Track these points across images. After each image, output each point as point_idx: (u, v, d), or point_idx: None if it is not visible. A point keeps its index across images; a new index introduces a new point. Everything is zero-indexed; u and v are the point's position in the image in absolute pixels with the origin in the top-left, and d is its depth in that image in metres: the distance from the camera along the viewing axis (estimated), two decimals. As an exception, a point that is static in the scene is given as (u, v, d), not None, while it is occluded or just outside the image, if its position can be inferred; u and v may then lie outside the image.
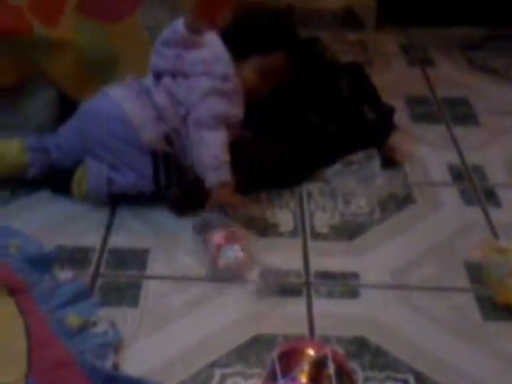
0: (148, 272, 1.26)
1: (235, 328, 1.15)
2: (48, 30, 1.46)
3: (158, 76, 1.40)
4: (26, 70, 1.49)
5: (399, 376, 1.07)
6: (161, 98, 1.36)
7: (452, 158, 1.61)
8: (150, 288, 1.22)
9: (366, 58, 1.98)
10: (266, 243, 1.33)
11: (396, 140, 1.59)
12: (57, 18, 1.48)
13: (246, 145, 1.45)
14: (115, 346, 1.09)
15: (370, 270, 1.28)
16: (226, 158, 1.32)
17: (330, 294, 1.22)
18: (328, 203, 1.45)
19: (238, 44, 1.38)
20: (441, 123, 1.74)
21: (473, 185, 1.52)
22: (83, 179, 1.37)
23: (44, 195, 1.42)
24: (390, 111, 1.59)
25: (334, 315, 1.18)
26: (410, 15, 2.11)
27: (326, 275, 1.26)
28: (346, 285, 1.25)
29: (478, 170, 1.57)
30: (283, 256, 1.30)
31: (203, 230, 1.29)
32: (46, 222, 1.36)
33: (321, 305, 1.20)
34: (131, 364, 1.07)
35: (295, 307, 1.19)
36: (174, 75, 1.38)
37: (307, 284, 1.24)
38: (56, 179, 1.41)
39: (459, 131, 1.71)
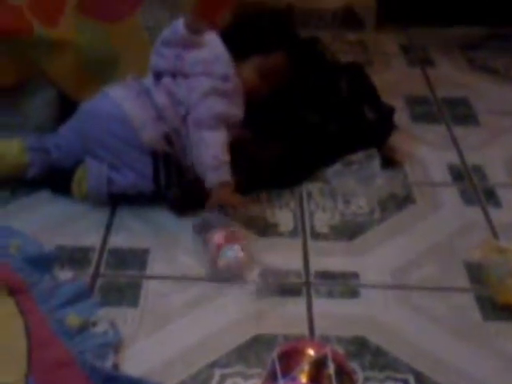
0: (148, 272, 1.26)
1: (235, 328, 1.15)
2: (48, 30, 1.46)
3: (157, 76, 1.40)
4: (26, 70, 1.49)
5: (399, 376, 1.07)
6: (161, 98, 1.36)
7: (452, 157, 1.61)
8: (149, 288, 1.22)
9: (366, 57, 1.98)
10: (266, 243, 1.33)
11: (396, 140, 1.59)
12: (57, 18, 1.48)
13: (246, 145, 1.45)
14: (115, 346, 1.09)
15: (370, 269, 1.28)
16: (226, 158, 1.32)
17: (330, 294, 1.22)
18: (328, 203, 1.45)
19: (238, 44, 1.38)
20: (441, 123, 1.74)
21: (473, 185, 1.52)
22: (83, 179, 1.37)
23: (44, 195, 1.42)
24: (390, 111, 1.59)
25: (334, 315, 1.18)
26: (409, 15, 2.11)
27: (326, 275, 1.26)
28: (346, 285, 1.25)
29: (478, 169, 1.57)
30: (283, 256, 1.30)
31: (203, 229, 1.29)
32: (46, 221, 1.36)
33: (321, 305, 1.20)
34: (131, 364, 1.07)
35: (295, 307, 1.19)
36: (173, 75, 1.38)
37: (307, 284, 1.24)
38: (56, 179, 1.41)
39: (459, 131, 1.71)
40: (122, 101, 1.36)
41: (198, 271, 1.26)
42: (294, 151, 1.49)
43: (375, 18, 2.00)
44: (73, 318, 1.12)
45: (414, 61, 2.04)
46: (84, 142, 1.38)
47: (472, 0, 2.10)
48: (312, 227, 1.38)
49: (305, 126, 1.52)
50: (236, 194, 1.34)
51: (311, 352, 0.98)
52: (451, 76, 1.96)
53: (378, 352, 1.11)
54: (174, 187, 1.38)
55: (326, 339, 1.12)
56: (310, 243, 1.34)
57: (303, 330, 1.15)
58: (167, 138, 1.36)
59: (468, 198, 1.48)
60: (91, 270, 1.25)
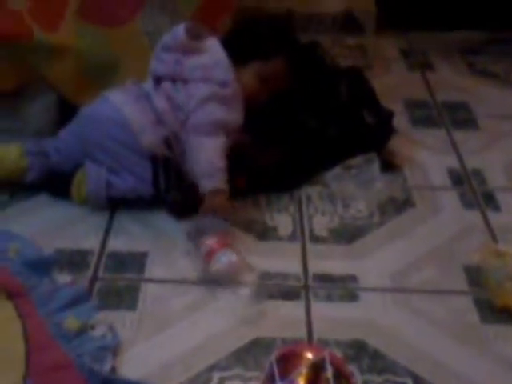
0: (146, 275, 1.26)
1: (233, 331, 1.15)
2: (48, 35, 1.46)
3: (157, 80, 1.40)
4: (26, 75, 1.50)
5: (398, 379, 1.07)
6: (160, 103, 1.37)
7: (451, 161, 1.61)
8: (148, 291, 1.22)
9: (366, 62, 1.98)
10: (265, 246, 1.34)
11: (395, 144, 1.59)
12: (57, 23, 1.48)
13: (246, 150, 1.45)
14: (113, 349, 1.09)
15: (369, 273, 1.28)
16: (222, 164, 1.31)
17: (329, 298, 1.22)
18: (327, 207, 1.45)
19: (238, 49, 1.38)
20: (440, 127, 1.75)
21: (472, 189, 1.52)
22: (82, 183, 1.37)
23: (43, 199, 1.42)
24: (390, 115, 1.59)
25: (333, 318, 1.18)
26: (409, 19, 2.11)
27: (324, 278, 1.26)
28: (344, 288, 1.25)
29: (478, 173, 1.57)
30: (282, 259, 1.30)
31: (196, 235, 1.29)
32: (45, 225, 1.36)
33: (319, 308, 1.20)
34: (129, 367, 1.07)
35: (294, 310, 1.19)
36: (173, 80, 1.39)
37: (306, 287, 1.24)
38: (55, 183, 1.41)
39: (459, 135, 1.71)
40: (121, 105, 1.36)
41: (196, 275, 1.26)
42: (293, 155, 1.49)
43: (375, 23, 2.00)
44: (71, 321, 1.12)
45: (413, 65, 2.05)
46: (83, 146, 1.39)
47: (472, 4, 2.10)
48: (311, 231, 1.38)
49: (304, 131, 1.52)
50: (230, 202, 1.33)
51: (309, 355, 0.98)
52: (451, 80, 1.97)
53: (377, 355, 1.11)
54: (174, 191, 1.38)
55: (324, 342, 1.12)
56: (309, 247, 1.34)
57: (302, 333, 1.15)
58: (167, 142, 1.36)
59: (467, 202, 1.48)
60: (90, 273, 1.25)
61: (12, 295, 1.16)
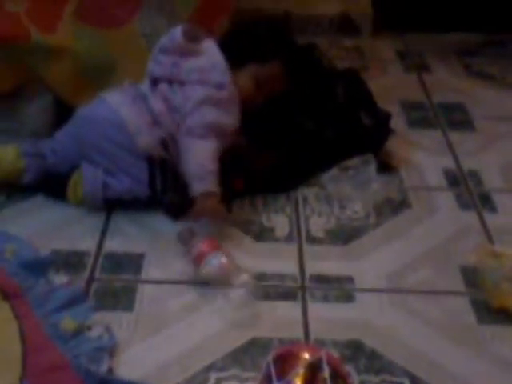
0: (143, 276, 1.26)
1: (230, 332, 1.15)
2: (45, 37, 1.46)
3: (154, 82, 1.40)
4: (24, 76, 1.50)
5: (394, 379, 1.07)
6: (157, 104, 1.37)
7: (448, 163, 1.61)
8: (145, 292, 1.22)
9: (363, 64, 1.99)
10: (262, 247, 1.34)
11: (392, 145, 1.59)
12: (54, 25, 1.48)
13: (242, 152, 1.45)
14: (110, 350, 1.09)
15: (366, 274, 1.28)
16: (213, 167, 1.31)
17: (326, 298, 1.22)
18: (324, 208, 1.45)
19: (235, 52, 1.38)
20: (437, 128, 1.75)
21: (468, 190, 1.52)
22: (78, 184, 1.37)
23: (40, 200, 1.42)
24: (387, 117, 1.59)
25: (330, 319, 1.18)
26: (406, 21, 2.12)
27: (321, 279, 1.26)
28: (341, 289, 1.25)
29: (474, 175, 1.57)
30: (279, 260, 1.30)
31: (187, 238, 1.29)
32: (41, 226, 1.36)
33: (316, 309, 1.20)
34: (126, 368, 1.07)
35: (290, 311, 1.19)
36: (170, 82, 1.39)
37: (302, 288, 1.25)
38: (52, 184, 1.41)
39: (455, 136, 1.71)
40: (118, 106, 1.36)
41: (193, 276, 1.26)
42: (290, 157, 1.49)
43: (372, 25, 2.01)
44: (68, 322, 1.12)
45: (410, 67, 2.04)
46: (80, 147, 1.38)
47: (468, 6, 2.11)
48: (307, 232, 1.38)
49: (301, 132, 1.52)
50: (221, 205, 1.33)
51: (306, 355, 0.99)
52: (447, 82, 1.97)
53: (374, 355, 1.11)
54: (170, 192, 1.37)
55: (321, 343, 1.12)
56: (306, 247, 1.34)
57: (298, 333, 1.15)
58: (163, 144, 1.36)
59: (464, 203, 1.48)
60: (86, 274, 1.25)
61: (8, 296, 1.16)
